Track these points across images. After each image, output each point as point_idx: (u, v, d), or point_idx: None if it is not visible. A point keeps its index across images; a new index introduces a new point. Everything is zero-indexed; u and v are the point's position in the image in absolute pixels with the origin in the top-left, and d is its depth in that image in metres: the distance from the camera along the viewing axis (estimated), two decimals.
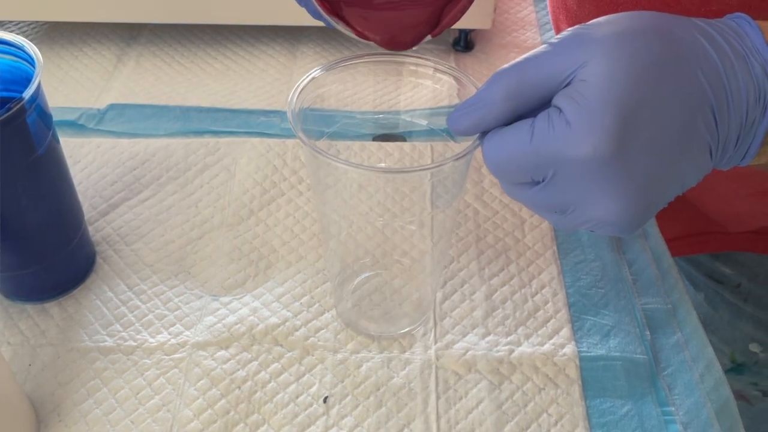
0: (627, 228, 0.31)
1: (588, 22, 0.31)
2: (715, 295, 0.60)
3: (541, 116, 0.30)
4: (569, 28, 0.31)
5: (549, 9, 0.62)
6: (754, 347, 0.59)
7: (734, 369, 0.61)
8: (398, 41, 0.39)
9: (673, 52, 0.29)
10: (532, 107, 0.31)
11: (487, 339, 0.46)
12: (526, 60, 0.31)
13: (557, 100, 0.30)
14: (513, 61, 0.31)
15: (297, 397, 0.43)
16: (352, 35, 0.38)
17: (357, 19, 0.38)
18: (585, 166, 0.29)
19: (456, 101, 0.42)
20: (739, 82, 0.30)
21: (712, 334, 0.61)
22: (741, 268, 0.57)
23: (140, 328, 0.46)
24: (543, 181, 0.31)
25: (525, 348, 0.45)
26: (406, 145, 0.55)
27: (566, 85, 0.30)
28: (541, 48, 0.31)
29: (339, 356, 0.45)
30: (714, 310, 0.60)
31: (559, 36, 0.31)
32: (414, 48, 0.41)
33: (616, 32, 0.29)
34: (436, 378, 0.44)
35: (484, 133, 0.33)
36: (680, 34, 0.30)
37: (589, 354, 0.45)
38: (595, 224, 0.32)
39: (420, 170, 0.37)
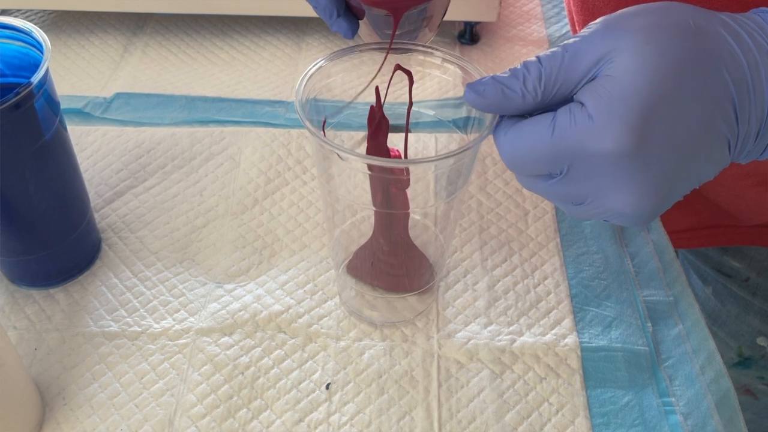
0: (642, 219, 0.32)
1: (617, 14, 0.31)
2: (723, 289, 0.60)
3: (563, 111, 0.31)
4: (598, 20, 0.31)
5: None
6: (761, 341, 0.59)
7: (741, 363, 0.61)
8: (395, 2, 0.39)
9: (698, 50, 0.29)
10: (557, 101, 0.32)
11: (489, 329, 0.46)
12: (558, 55, 0.31)
13: (580, 95, 0.30)
14: (545, 54, 0.31)
15: (299, 384, 0.43)
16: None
17: None
18: (605, 159, 0.30)
19: (462, 92, 0.42)
20: (761, 78, 0.30)
21: (719, 328, 0.61)
22: (750, 262, 0.57)
23: (145, 314, 0.47)
24: (561, 173, 0.32)
25: (527, 338, 0.45)
26: (411, 136, 0.56)
27: (591, 79, 0.30)
28: (572, 41, 0.31)
29: (342, 344, 0.45)
30: (722, 304, 0.60)
31: (588, 29, 0.31)
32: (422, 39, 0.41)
33: (643, 28, 0.29)
34: (438, 366, 0.44)
35: (503, 116, 0.33)
36: (706, 30, 0.30)
37: (590, 345, 0.45)
38: (610, 215, 0.32)
39: (425, 162, 0.37)
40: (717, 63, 0.29)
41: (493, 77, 0.32)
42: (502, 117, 0.33)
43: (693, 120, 0.29)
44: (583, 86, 0.31)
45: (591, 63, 0.30)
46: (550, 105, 0.32)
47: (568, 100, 0.32)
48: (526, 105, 0.32)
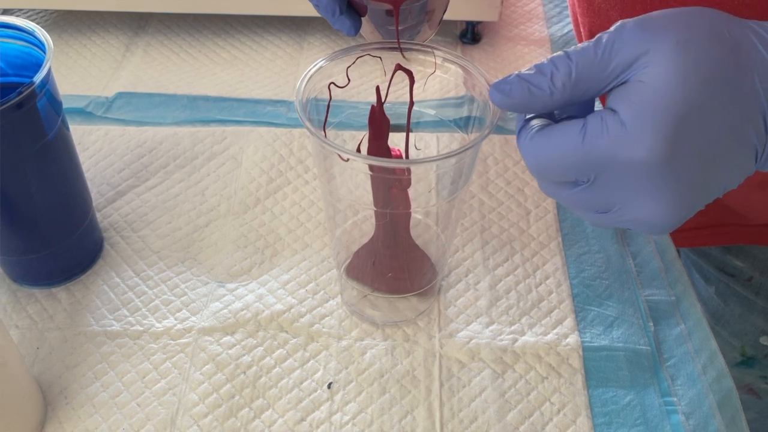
0: (666, 228, 0.31)
1: (650, 16, 0.30)
2: (726, 289, 0.60)
3: (593, 117, 0.30)
4: (631, 20, 0.30)
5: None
6: (764, 340, 0.59)
7: (744, 362, 0.61)
8: None
9: (732, 59, 0.29)
10: (585, 99, 0.31)
11: (491, 328, 0.46)
12: (589, 51, 0.30)
13: (611, 101, 0.30)
14: (574, 49, 0.30)
15: (301, 383, 0.43)
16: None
17: None
18: (636, 168, 0.29)
19: (463, 91, 0.42)
20: None
21: (722, 328, 0.61)
22: (753, 261, 0.57)
23: (147, 313, 0.47)
24: (588, 181, 0.31)
25: (528, 337, 0.45)
26: (412, 136, 0.56)
27: (620, 83, 0.30)
28: (603, 39, 0.30)
29: (343, 343, 0.45)
30: (725, 303, 0.60)
31: (618, 28, 0.30)
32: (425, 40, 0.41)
33: (677, 35, 0.29)
34: (440, 366, 0.44)
35: (527, 120, 0.32)
36: (738, 38, 0.29)
37: (592, 344, 0.45)
38: (634, 223, 0.32)
39: (426, 162, 0.37)
40: (750, 73, 0.29)
41: (518, 75, 0.31)
42: (526, 121, 0.32)
43: (724, 130, 0.29)
44: (613, 90, 0.30)
45: (624, 64, 0.29)
46: (578, 102, 0.31)
47: (593, 98, 0.31)
48: (553, 103, 0.31)
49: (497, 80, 0.32)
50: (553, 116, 0.33)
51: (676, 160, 0.29)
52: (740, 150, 0.30)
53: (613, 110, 0.30)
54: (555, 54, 0.31)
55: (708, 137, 0.29)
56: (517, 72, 0.31)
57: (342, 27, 0.40)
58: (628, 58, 0.29)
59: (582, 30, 0.57)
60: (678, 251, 0.57)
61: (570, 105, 0.31)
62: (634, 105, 0.29)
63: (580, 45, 0.30)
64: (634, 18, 0.30)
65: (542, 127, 0.31)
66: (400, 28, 0.40)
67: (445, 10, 0.43)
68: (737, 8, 0.40)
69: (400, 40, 0.41)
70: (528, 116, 0.32)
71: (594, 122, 0.30)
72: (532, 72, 0.31)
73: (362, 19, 0.41)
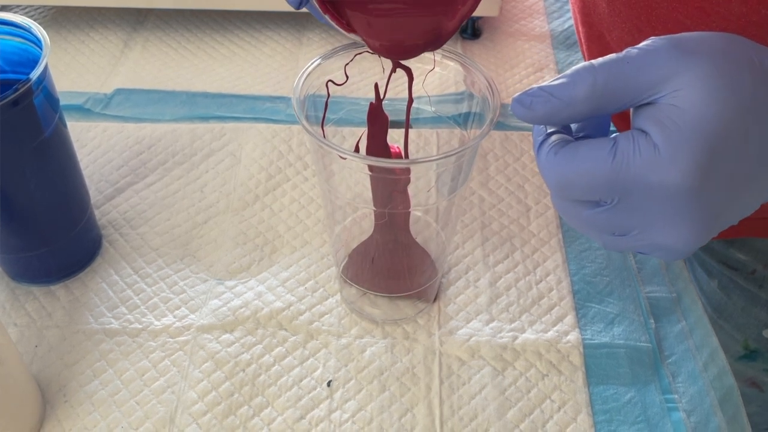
0: (685, 253, 0.31)
1: (682, 36, 0.30)
2: (728, 282, 0.59)
3: (624, 137, 0.29)
4: (659, 40, 0.30)
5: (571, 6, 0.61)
6: (767, 333, 0.59)
7: (747, 356, 0.61)
8: (400, 48, 0.38)
9: (763, 87, 0.28)
10: (607, 112, 0.30)
11: (491, 325, 0.46)
12: (617, 63, 0.29)
13: (642, 123, 0.29)
14: (601, 60, 0.30)
15: (301, 381, 0.43)
16: (355, 37, 0.38)
17: (359, 23, 0.38)
18: (666, 192, 0.29)
19: (463, 88, 0.42)
20: None
21: (725, 321, 0.60)
22: (756, 254, 0.57)
23: (146, 311, 0.46)
24: (611, 202, 0.30)
25: (529, 335, 0.45)
26: (412, 132, 0.55)
27: (648, 104, 0.29)
28: (632, 54, 0.29)
29: (343, 341, 0.45)
30: (727, 296, 0.60)
31: (650, 45, 0.29)
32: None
33: (712, 59, 0.28)
34: (440, 363, 0.44)
35: (549, 135, 0.31)
36: (767, 66, 0.29)
37: (593, 341, 0.45)
38: (652, 248, 0.31)
39: (426, 161, 0.37)
40: None
41: (540, 88, 0.30)
42: (547, 135, 0.32)
43: (753, 158, 0.29)
44: (640, 109, 0.29)
45: (653, 82, 0.29)
46: (598, 116, 0.30)
47: (613, 113, 0.30)
48: (575, 115, 0.30)
49: (519, 93, 0.31)
50: (571, 132, 0.32)
51: (706, 186, 0.28)
52: (765, 177, 0.30)
53: (643, 131, 0.29)
54: (579, 65, 0.30)
55: (737, 165, 0.29)
56: (539, 85, 0.31)
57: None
58: (658, 77, 0.28)
59: (585, 50, 0.57)
60: None
61: (591, 118, 0.31)
62: (667, 128, 0.28)
63: (606, 57, 0.30)
64: (666, 37, 0.30)
65: (566, 143, 0.30)
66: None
67: None
68: (746, 27, 0.40)
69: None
70: (549, 131, 0.32)
71: (625, 142, 0.29)
72: (554, 84, 0.30)
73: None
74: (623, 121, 0.56)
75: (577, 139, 0.31)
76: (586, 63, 0.30)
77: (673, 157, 0.28)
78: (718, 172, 0.28)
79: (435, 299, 0.47)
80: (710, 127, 0.28)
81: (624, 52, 0.29)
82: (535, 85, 0.31)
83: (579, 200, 0.31)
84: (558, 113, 0.30)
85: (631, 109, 0.30)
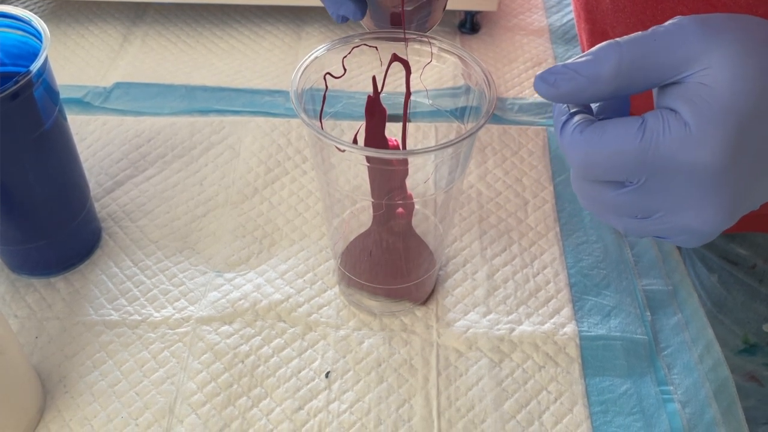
0: (708, 236, 0.31)
1: (709, 16, 0.29)
2: (729, 276, 0.60)
3: (652, 115, 0.29)
4: (685, 19, 0.29)
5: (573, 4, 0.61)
6: (767, 328, 0.59)
7: (747, 350, 0.61)
8: None
9: None
10: (632, 92, 0.30)
11: (488, 317, 0.46)
12: (644, 40, 0.28)
13: (670, 102, 0.29)
14: (627, 38, 0.29)
15: (299, 372, 0.43)
16: None
17: None
18: (695, 172, 0.28)
19: (461, 82, 0.42)
20: None
21: (725, 316, 0.61)
22: (757, 248, 0.57)
23: (145, 302, 0.47)
24: (636, 183, 0.30)
25: (526, 327, 0.46)
26: (409, 126, 0.56)
27: (674, 83, 0.29)
28: (660, 31, 0.28)
29: (341, 333, 0.45)
30: (727, 291, 0.60)
31: (677, 24, 0.29)
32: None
33: (742, 39, 0.28)
34: (437, 355, 0.44)
35: (572, 114, 0.31)
36: None
37: (589, 333, 0.45)
38: (675, 231, 0.31)
39: (423, 153, 0.37)
40: None
41: (564, 65, 0.30)
42: (571, 115, 0.31)
43: None
44: (666, 89, 0.29)
45: (681, 60, 0.28)
46: (623, 96, 0.30)
47: (623, 99, 0.30)
48: (600, 93, 0.29)
49: (542, 71, 0.30)
50: (592, 113, 0.32)
51: (734, 166, 0.28)
52: None
53: (671, 110, 0.28)
54: (603, 43, 0.29)
55: (764, 145, 0.28)
56: (563, 63, 0.30)
57: (347, 11, 0.39)
58: (686, 55, 0.28)
59: (584, 25, 0.57)
60: None
61: (611, 101, 0.30)
62: (697, 107, 0.28)
63: (632, 35, 0.29)
64: (691, 16, 0.29)
65: (591, 122, 0.30)
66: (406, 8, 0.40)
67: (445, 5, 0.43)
68: (756, 5, 0.40)
69: (394, 30, 0.41)
70: (572, 110, 0.31)
71: (654, 120, 0.28)
72: (579, 61, 0.29)
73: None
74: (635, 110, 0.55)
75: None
76: (611, 41, 0.29)
77: (704, 135, 0.28)
78: (746, 152, 0.28)
79: (433, 292, 0.48)
80: (740, 106, 0.27)
81: (650, 29, 0.29)
82: (558, 63, 0.30)
83: (603, 181, 0.31)
84: (582, 91, 0.29)
85: (654, 90, 0.30)
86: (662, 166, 0.29)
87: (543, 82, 0.30)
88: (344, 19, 0.39)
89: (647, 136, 0.28)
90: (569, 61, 0.30)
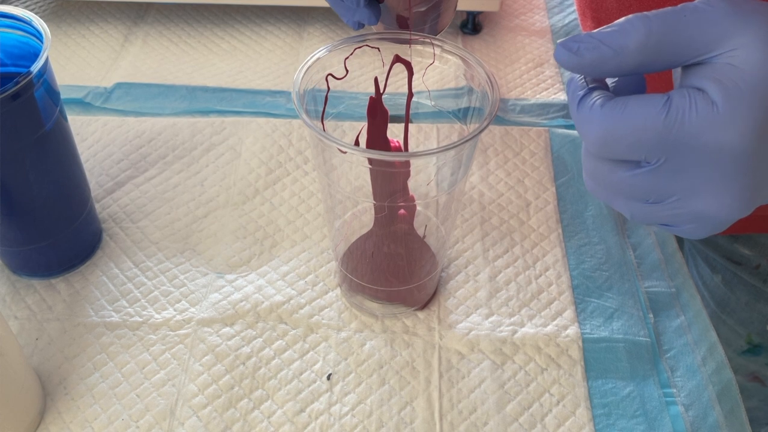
0: (723, 224, 0.30)
1: None
2: (732, 277, 0.59)
3: (678, 93, 0.28)
4: None
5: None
6: None
7: (750, 350, 0.61)
8: None
9: None
10: (654, 69, 0.29)
11: (491, 319, 0.46)
12: (674, 15, 0.27)
13: (697, 81, 0.28)
14: (656, 11, 0.28)
15: (301, 374, 0.43)
16: None
17: None
18: (719, 154, 0.27)
19: (463, 83, 0.42)
20: None
21: (728, 316, 0.61)
22: (761, 249, 0.57)
23: (146, 304, 0.47)
24: (655, 163, 0.28)
25: (528, 329, 0.45)
26: (412, 127, 0.55)
27: (699, 63, 0.28)
28: (690, 7, 0.28)
29: (343, 334, 0.45)
30: (731, 291, 0.60)
31: (707, 1, 0.28)
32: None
33: None
34: (439, 357, 0.44)
35: (591, 90, 0.29)
36: None
37: (592, 336, 0.45)
38: (686, 219, 0.30)
39: (425, 155, 0.37)
40: None
41: (589, 34, 0.28)
42: (590, 89, 0.30)
43: None
44: (692, 68, 0.28)
45: (711, 39, 0.27)
46: (647, 72, 0.29)
47: (638, 77, 0.29)
48: (622, 67, 0.28)
49: (564, 39, 0.29)
50: (608, 90, 0.30)
51: (759, 151, 0.27)
52: None
53: (698, 89, 0.28)
54: (631, 15, 0.28)
55: None
56: (588, 32, 0.29)
57: (363, 17, 0.38)
58: (715, 34, 0.27)
59: (590, 24, 0.56)
60: (682, 241, 0.57)
61: (628, 80, 0.29)
62: (726, 87, 0.27)
63: (661, 9, 0.28)
64: None
65: (611, 98, 0.28)
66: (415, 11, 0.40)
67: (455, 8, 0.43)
68: None
69: (401, 31, 0.40)
70: (591, 85, 0.30)
71: (680, 98, 0.27)
72: (605, 31, 0.28)
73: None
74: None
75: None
76: (639, 13, 0.28)
77: (732, 115, 0.27)
78: None
79: (435, 293, 0.47)
80: None
81: (680, 5, 0.28)
82: (583, 33, 0.29)
83: (618, 159, 0.29)
84: (605, 63, 0.28)
85: (676, 71, 0.29)
86: (685, 145, 0.28)
87: (566, 49, 0.29)
88: (360, 26, 0.39)
89: (672, 113, 0.27)
90: (594, 31, 0.29)
